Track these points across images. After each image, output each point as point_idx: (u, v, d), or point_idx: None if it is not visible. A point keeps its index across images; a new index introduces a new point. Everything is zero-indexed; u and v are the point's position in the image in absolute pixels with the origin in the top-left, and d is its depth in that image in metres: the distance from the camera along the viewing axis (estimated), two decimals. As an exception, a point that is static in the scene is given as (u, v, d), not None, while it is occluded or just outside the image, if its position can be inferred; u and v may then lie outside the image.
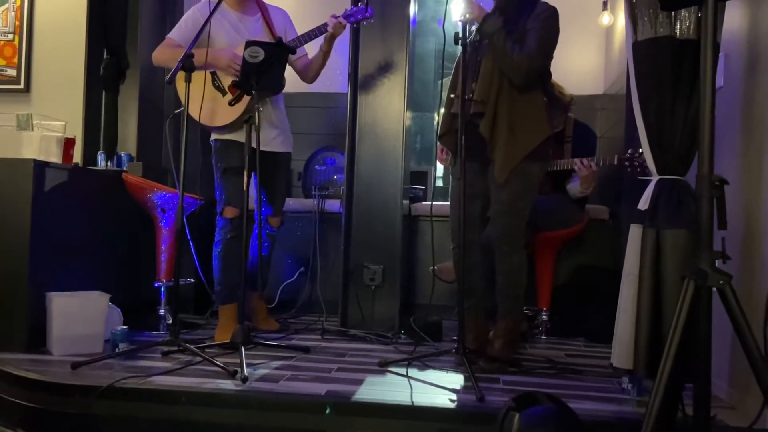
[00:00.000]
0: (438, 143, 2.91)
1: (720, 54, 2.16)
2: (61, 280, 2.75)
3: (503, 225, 2.61)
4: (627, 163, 2.87)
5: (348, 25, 2.97)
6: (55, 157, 2.84)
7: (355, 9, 2.97)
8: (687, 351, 1.52)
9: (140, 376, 2.22)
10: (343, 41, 3.31)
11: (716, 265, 1.50)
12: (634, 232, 2.13)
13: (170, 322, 3.09)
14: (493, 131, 2.55)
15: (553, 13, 2.55)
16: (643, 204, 2.11)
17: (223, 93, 2.92)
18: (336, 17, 2.93)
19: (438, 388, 2.26)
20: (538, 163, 2.61)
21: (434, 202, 3.79)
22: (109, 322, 2.72)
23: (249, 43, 2.54)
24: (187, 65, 2.57)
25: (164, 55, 2.93)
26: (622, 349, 2.13)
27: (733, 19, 2.22)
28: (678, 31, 2.03)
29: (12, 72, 3.60)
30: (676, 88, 2.04)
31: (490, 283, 2.70)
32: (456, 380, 2.39)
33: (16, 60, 3.60)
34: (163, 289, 3.14)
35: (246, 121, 2.61)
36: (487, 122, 2.54)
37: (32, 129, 2.74)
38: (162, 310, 3.13)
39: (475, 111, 2.58)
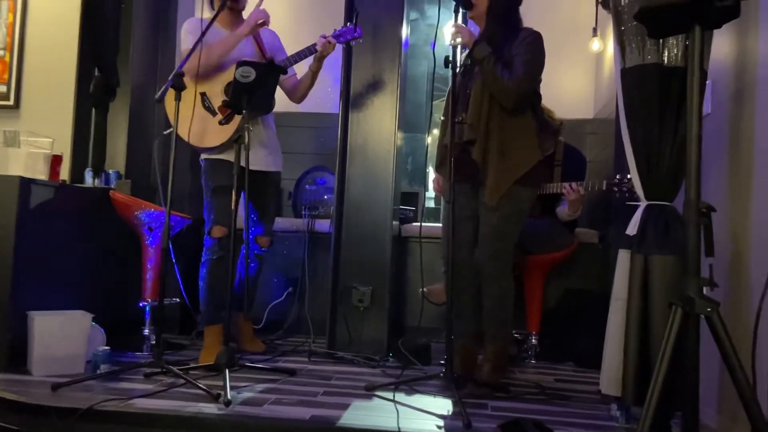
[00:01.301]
0: (433, 170, 2.92)
1: (707, 81, 2.18)
2: (43, 298, 2.70)
3: (491, 249, 2.60)
4: (615, 189, 2.87)
5: (339, 46, 2.99)
6: (41, 174, 2.82)
7: (344, 29, 3.00)
8: (675, 378, 1.51)
9: (121, 398, 2.18)
10: (335, 62, 3.33)
11: (704, 292, 1.49)
12: (623, 257, 2.13)
13: (154, 342, 3.04)
14: (485, 156, 2.56)
15: (537, 38, 2.59)
16: (632, 229, 2.11)
17: (213, 114, 2.91)
18: (325, 37, 2.95)
19: (425, 413, 2.23)
20: (529, 188, 2.63)
21: (424, 224, 3.79)
22: (91, 342, 2.68)
23: (240, 63, 2.54)
24: (177, 84, 2.56)
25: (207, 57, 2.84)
26: (610, 376, 2.12)
27: (720, 47, 2.24)
28: (666, 59, 2.05)
29: (2, 88, 3.58)
30: (664, 114, 2.05)
31: (480, 307, 2.69)
32: (443, 405, 2.36)
33: (6, 76, 3.58)
34: (148, 309, 3.09)
35: (235, 140, 2.60)
36: (479, 147, 2.56)
37: (19, 146, 2.71)
38: (146, 330, 3.08)
39: (468, 138, 2.59)
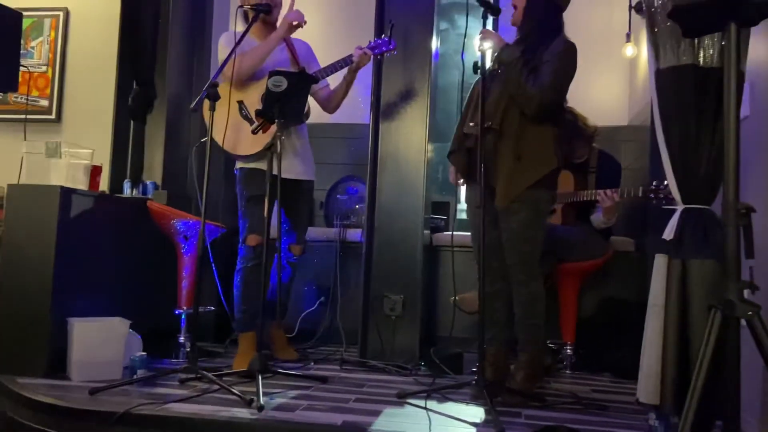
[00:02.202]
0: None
1: (745, 83, 2.13)
2: (82, 305, 2.77)
3: (516, 253, 2.57)
4: (652, 195, 2.82)
5: (372, 57, 3.02)
6: (81, 184, 2.90)
7: (379, 41, 3.03)
8: (715, 385, 1.46)
9: (157, 402, 2.21)
10: (366, 73, 3.35)
11: (744, 295, 1.45)
12: (660, 262, 2.08)
13: (189, 349, 3.09)
14: (496, 156, 2.54)
15: (570, 49, 2.55)
16: (668, 234, 2.06)
17: (251, 122, 2.95)
18: (361, 48, 2.98)
19: (457, 421, 2.21)
20: (545, 190, 2.59)
21: (455, 233, 3.76)
22: (128, 349, 2.73)
23: (272, 73, 2.58)
24: (212, 94, 2.61)
25: (240, 63, 2.92)
26: (648, 384, 2.06)
27: (759, 48, 2.19)
28: (701, 59, 2.01)
29: (44, 102, 3.71)
30: (700, 116, 2.01)
31: (512, 314, 2.66)
32: (476, 413, 2.33)
33: (48, 91, 3.72)
34: (183, 317, 3.14)
35: (268, 149, 2.64)
36: (489, 145, 2.54)
37: (60, 156, 2.80)
38: (182, 338, 3.13)
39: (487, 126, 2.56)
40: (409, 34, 3.31)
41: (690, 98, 2.01)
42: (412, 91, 3.32)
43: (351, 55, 3.00)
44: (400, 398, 2.47)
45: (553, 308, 2.77)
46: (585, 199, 3.16)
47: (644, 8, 2.19)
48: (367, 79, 3.44)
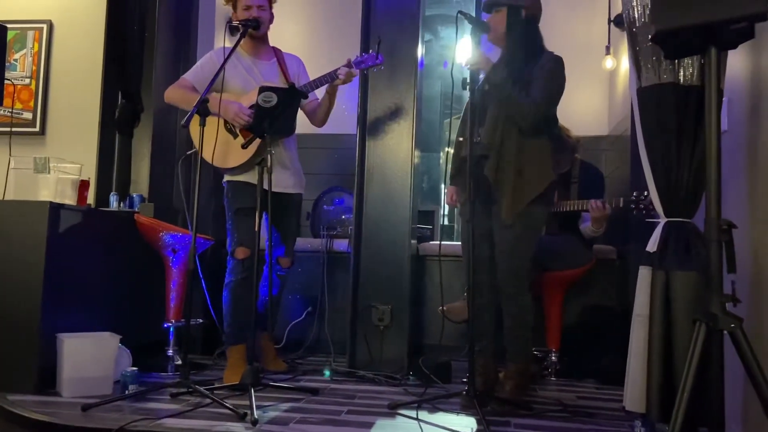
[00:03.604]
0: (447, 185, 2.95)
1: (724, 99, 2.21)
2: (72, 320, 2.76)
3: (508, 267, 2.64)
4: (633, 206, 2.90)
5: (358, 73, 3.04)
6: (70, 199, 2.89)
7: (366, 56, 3.04)
8: (700, 394, 1.52)
9: (151, 418, 2.22)
10: (353, 83, 3.38)
11: (727, 308, 1.51)
12: (644, 273, 2.14)
13: (179, 362, 3.09)
14: (497, 174, 2.60)
15: (557, 62, 2.63)
16: (652, 246, 2.13)
17: (235, 135, 2.97)
18: (348, 67, 2.98)
19: (449, 431, 2.25)
20: (543, 206, 2.68)
21: (442, 242, 3.81)
22: (118, 363, 2.73)
23: (262, 89, 2.61)
24: (202, 110, 2.63)
25: (176, 94, 3.02)
26: (634, 392, 2.12)
27: (735, 65, 2.27)
28: (682, 78, 2.08)
29: (28, 115, 3.68)
30: (681, 132, 2.08)
31: (500, 324, 2.71)
32: (467, 423, 2.37)
33: (32, 104, 3.69)
34: (172, 330, 3.14)
35: (258, 163, 2.66)
36: (492, 165, 2.61)
37: (49, 172, 2.79)
38: (170, 351, 3.13)
39: (483, 153, 2.63)
40: (395, 45, 3.36)
41: (671, 115, 2.08)
42: (398, 101, 3.35)
43: (337, 71, 3.01)
44: (392, 409, 2.50)
45: (538, 316, 2.83)
46: (572, 209, 3.23)
47: (626, 27, 2.26)
48: (353, 89, 3.48)
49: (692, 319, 1.55)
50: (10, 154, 2.97)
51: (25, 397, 2.49)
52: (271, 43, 3.20)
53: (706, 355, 1.51)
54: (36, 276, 2.62)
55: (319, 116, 3.20)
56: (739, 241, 1.64)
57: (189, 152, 3.54)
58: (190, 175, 3.64)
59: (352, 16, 3.80)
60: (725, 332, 1.50)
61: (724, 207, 1.57)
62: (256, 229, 2.68)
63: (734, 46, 1.63)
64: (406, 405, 2.55)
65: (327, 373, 3.14)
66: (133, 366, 2.76)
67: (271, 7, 3.08)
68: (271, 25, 3.12)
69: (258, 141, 2.89)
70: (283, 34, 3.98)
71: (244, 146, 2.90)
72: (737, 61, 2.28)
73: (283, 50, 3.22)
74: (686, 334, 1.88)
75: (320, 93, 3.18)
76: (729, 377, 1.62)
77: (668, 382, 1.98)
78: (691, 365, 1.50)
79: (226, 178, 3.07)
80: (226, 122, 2.98)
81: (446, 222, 5.28)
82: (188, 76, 3.06)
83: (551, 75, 2.60)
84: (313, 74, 3.17)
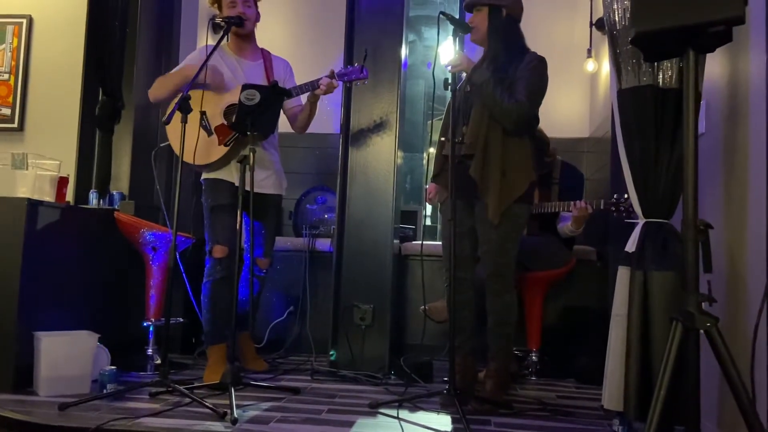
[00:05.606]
0: (428, 183, 2.97)
1: (702, 101, 2.24)
2: (49, 318, 2.73)
3: (493, 265, 2.65)
4: (613, 208, 2.92)
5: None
6: (48, 195, 2.86)
7: (350, 69, 3.02)
8: (676, 393, 1.54)
9: (129, 417, 2.20)
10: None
11: (703, 307, 1.53)
12: (622, 273, 2.17)
13: (158, 362, 3.06)
14: (483, 174, 2.62)
15: (541, 62, 2.65)
16: (630, 246, 2.16)
17: (209, 133, 2.94)
18: (331, 77, 2.95)
19: (429, 430, 2.26)
20: (525, 205, 2.70)
21: (424, 242, 3.82)
22: (96, 362, 2.70)
23: (245, 87, 2.59)
24: (184, 107, 2.61)
25: (157, 83, 2.99)
26: (612, 391, 2.15)
27: (713, 68, 2.31)
28: (660, 80, 2.11)
29: (6, 111, 3.63)
30: (660, 134, 2.11)
31: (480, 323, 2.73)
32: (447, 422, 2.38)
33: (10, 99, 3.63)
34: (151, 329, 3.11)
35: (240, 161, 2.65)
36: (477, 165, 2.62)
37: (27, 168, 2.75)
38: (150, 350, 3.10)
39: (466, 153, 2.65)
40: (379, 47, 3.35)
41: (650, 117, 2.11)
42: (381, 101, 3.36)
43: (319, 80, 2.95)
44: (373, 408, 2.50)
45: (519, 316, 2.85)
46: (553, 210, 3.25)
47: (607, 30, 2.28)
48: (338, 89, 3.47)
49: (669, 318, 1.57)
50: (-12, 150, 2.93)
51: (1, 396, 2.46)
52: (258, 43, 3.18)
53: (683, 354, 1.53)
54: (13, 274, 2.59)
55: (299, 123, 3.17)
56: (715, 242, 1.67)
57: (162, 144, 3.49)
58: (168, 171, 3.61)
59: (337, 16, 3.80)
60: (701, 331, 1.52)
61: (701, 208, 1.59)
62: (238, 228, 2.66)
63: (712, 50, 1.65)
64: (387, 404, 2.55)
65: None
66: (111, 365, 2.73)
67: (257, 6, 3.07)
68: (257, 24, 3.10)
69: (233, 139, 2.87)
70: (266, 33, 3.96)
71: (227, 144, 2.88)
72: (715, 65, 2.31)
73: (277, 55, 3.20)
74: (663, 333, 1.91)
75: (304, 99, 3.17)
76: (705, 376, 1.65)
77: (646, 381, 2.00)
78: (667, 364, 1.52)
79: (203, 175, 3.05)
80: (201, 119, 2.94)
81: (429, 222, 5.30)
82: (179, 65, 3.04)
83: (535, 75, 2.62)
84: (296, 74, 3.15)
